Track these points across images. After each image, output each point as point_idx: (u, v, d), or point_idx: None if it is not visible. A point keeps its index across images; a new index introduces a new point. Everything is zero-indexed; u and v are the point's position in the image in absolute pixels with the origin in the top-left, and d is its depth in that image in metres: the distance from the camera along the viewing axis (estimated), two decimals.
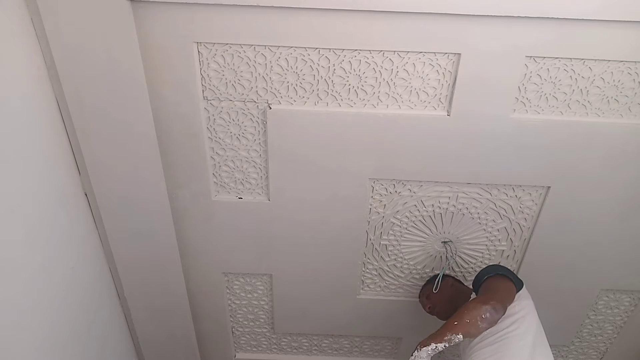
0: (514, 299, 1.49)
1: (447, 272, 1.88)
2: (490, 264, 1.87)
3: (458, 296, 1.70)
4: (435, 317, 1.77)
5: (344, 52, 1.37)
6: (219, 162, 1.62)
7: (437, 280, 1.78)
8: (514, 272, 1.88)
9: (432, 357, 1.36)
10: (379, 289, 1.99)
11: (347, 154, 1.56)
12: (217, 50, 1.37)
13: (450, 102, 1.45)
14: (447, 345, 1.34)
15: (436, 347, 1.34)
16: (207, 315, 2.09)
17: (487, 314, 1.35)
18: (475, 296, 1.58)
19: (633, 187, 1.62)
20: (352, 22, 1.30)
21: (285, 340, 2.24)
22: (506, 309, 1.42)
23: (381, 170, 1.61)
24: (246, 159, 1.61)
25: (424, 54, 1.37)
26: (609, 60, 1.37)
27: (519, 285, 1.56)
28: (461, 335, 1.34)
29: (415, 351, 1.35)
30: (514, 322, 1.44)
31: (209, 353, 2.26)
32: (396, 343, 2.22)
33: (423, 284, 1.90)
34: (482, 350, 1.42)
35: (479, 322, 1.35)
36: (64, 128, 1.43)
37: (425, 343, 1.35)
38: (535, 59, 1.37)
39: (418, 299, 1.90)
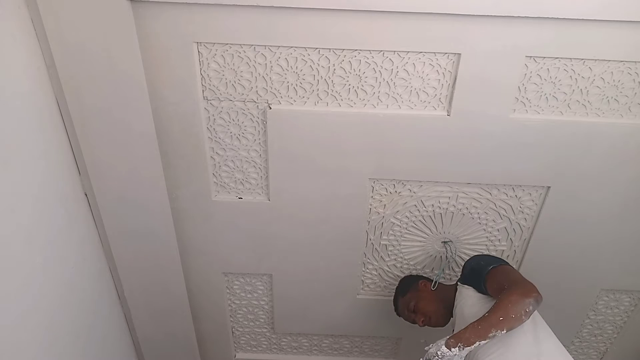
0: None
1: (447, 270, 1.88)
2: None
3: (446, 295, 1.62)
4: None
5: (344, 52, 1.37)
6: (219, 162, 1.62)
7: (436, 280, 1.78)
8: None
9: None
10: (379, 289, 1.99)
11: (347, 153, 1.56)
12: (217, 50, 1.37)
13: (450, 102, 1.45)
14: (488, 342, 1.27)
15: (479, 344, 1.25)
16: (207, 315, 2.09)
17: (531, 307, 1.29)
18: (466, 287, 1.51)
19: (633, 187, 1.62)
20: (352, 22, 1.30)
21: (285, 340, 2.24)
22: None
23: (381, 170, 1.61)
24: (246, 159, 1.61)
25: (424, 54, 1.37)
26: (609, 60, 1.37)
27: None
28: (505, 330, 1.26)
29: (456, 349, 1.25)
30: None
31: (209, 353, 2.26)
32: (396, 343, 2.22)
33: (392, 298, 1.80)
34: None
35: (524, 316, 1.28)
36: (64, 128, 1.43)
37: (467, 342, 1.25)
38: (535, 59, 1.37)
39: (397, 315, 1.78)
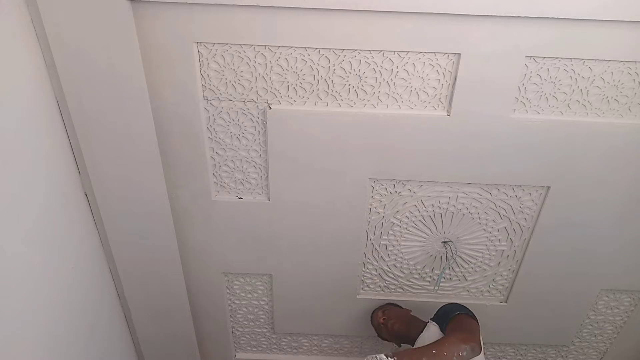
0: None
1: (447, 270, 1.88)
2: (490, 264, 1.87)
3: (414, 322, 1.77)
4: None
5: (344, 52, 1.37)
6: (219, 162, 1.62)
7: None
8: (514, 272, 1.89)
9: None
10: (379, 289, 1.99)
11: (347, 154, 1.56)
12: (217, 50, 1.37)
13: (450, 102, 1.45)
14: None
15: None
16: (207, 315, 2.09)
17: (464, 353, 1.40)
18: (434, 324, 1.63)
19: (633, 187, 1.62)
20: (352, 22, 1.30)
21: (285, 340, 2.24)
22: (482, 350, 1.48)
23: (381, 171, 1.61)
24: (246, 159, 1.61)
25: (424, 54, 1.37)
26: (609, 60, 1.37)
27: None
28: None
29: (388, 358, 1.38)
30: None
31: (209, 353, 2.26)
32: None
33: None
34: None
35: (455, 358, 1.40)
36: (64, 128, 1.43)
37: (401, 357, 1.39)
38: (535, 59, 1.37)
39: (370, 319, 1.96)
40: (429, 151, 1.55)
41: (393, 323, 1.81)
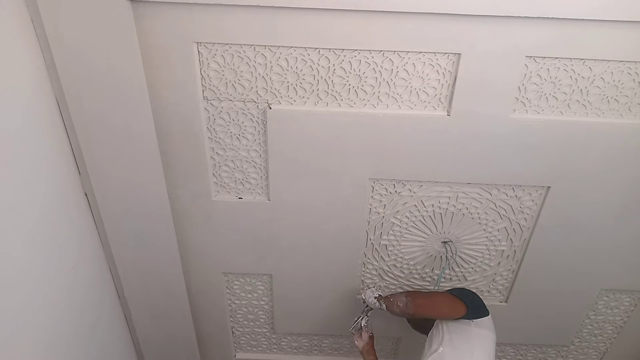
0: (447, 317, 1.62)
1: (447, 270, 1.88)
2: (490, 264, 1.87)
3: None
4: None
5: (344, 52, 1.37)
6: (219, 162, 1.62)
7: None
8: (514, 272, 1.89)
9: None
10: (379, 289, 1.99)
11: (347, 154, 1.56)
12: (217, 50, 1.37)
13: (450, 102, 1.45)
14: (380, 307, 1.69)
15: (376, 302, 1.70)
16: (207, 315, 2.09)
17: (401, 305, 1.63)
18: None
19: (633, 187, 1.62)
20: (352, 22, 1.30)
21: (285, 340, 2.24)
22: (420, 314, 1.65)
23: (381, 171, 1.61)
24: (246, 159, 1.61)
25: (424, 54, 1.37)
26: (609, 60, 1.37)
27: (474, 313, 1.60)
28: (385, 306, 1.67)
29: (378, 295, 1.72)
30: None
31: (209, 353, 2.26)
32: (396, 343, 2.22)
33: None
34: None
35: (394, 306, 1.64)
36: (64, 128, 1.43)
37: (379, 298, 1.71)
38: (535, 59, 1.37)
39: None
40: (429, 151, 1.55)
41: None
